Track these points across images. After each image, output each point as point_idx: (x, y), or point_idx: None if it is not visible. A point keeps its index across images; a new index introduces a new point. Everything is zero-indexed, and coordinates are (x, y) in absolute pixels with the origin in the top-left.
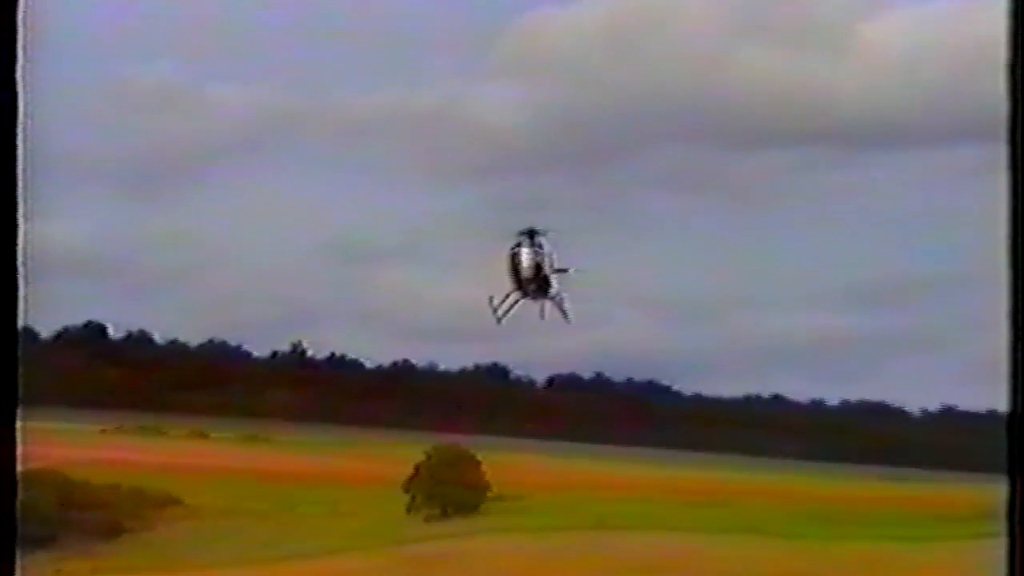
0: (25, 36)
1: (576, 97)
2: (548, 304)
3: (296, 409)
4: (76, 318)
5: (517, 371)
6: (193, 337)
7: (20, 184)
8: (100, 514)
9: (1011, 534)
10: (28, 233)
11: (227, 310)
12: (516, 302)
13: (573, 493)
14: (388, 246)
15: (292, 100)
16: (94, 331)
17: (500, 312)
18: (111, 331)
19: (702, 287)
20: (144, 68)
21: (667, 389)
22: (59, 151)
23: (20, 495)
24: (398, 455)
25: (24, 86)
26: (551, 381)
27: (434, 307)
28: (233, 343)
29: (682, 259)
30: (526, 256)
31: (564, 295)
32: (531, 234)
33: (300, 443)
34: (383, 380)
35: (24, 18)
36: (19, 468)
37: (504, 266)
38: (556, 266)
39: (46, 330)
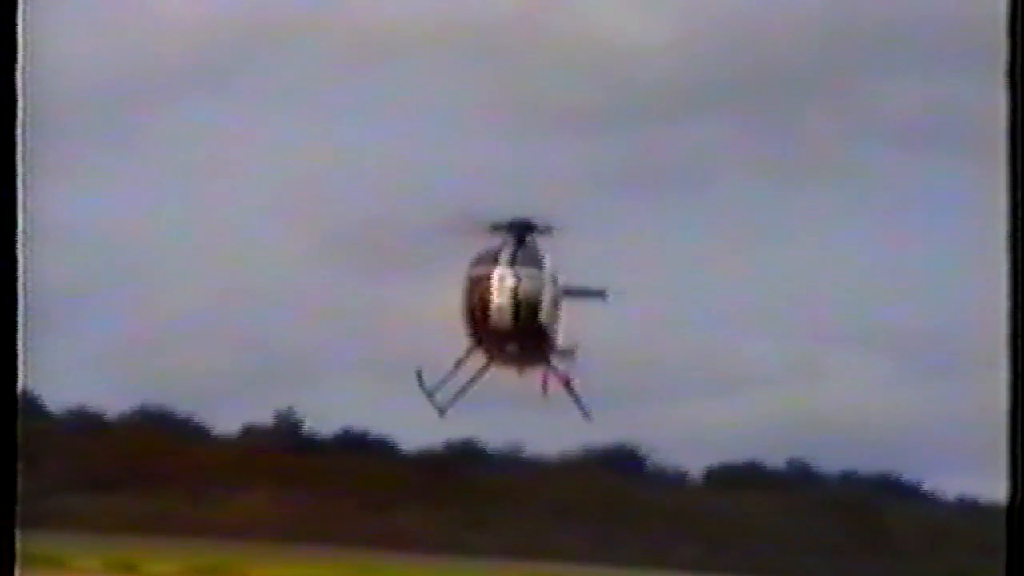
0: None
1: (746, 11)
2: (551, 374)
3: (284, 521)
4: None
5: (657, 457)
6: (111, 402)
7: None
8: None
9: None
10: None
11: (170, 355)
12: (478, 373)
13: None
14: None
15: (274, 7)
16: None
17: (441, 399)
18: None
19: (967, 312)
20: None
21: (913, 489)
22: None
23: None
24: None
25: None
26: (713, 474)
27: None
28: (180, 411)
29: (933, 263)
30: (504, 284)
31: (575, 356)
32: (519, 236)
33: None
34: (431, 472)
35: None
36: None
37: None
38: (563, 289)
39: None
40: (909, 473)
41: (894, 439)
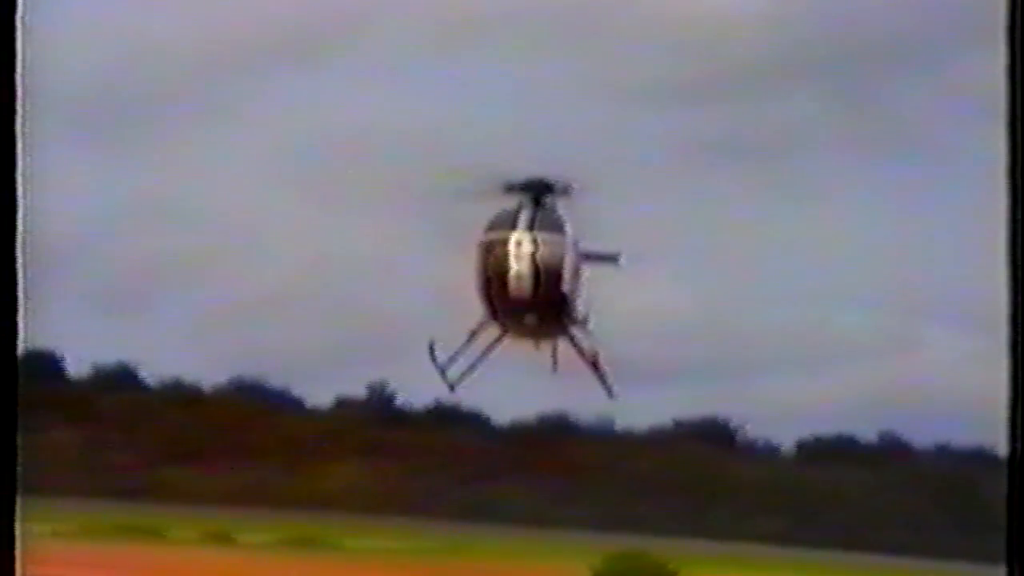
0: None
1: None
2: (564, 347)
3: (376, 494)
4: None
5: (748, 430)
6: (205, 375)
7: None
8: None
9: None
10: None
11: (263, 330)
12: (490, 346)
13: None
14: None
15: None
16: (39, 365)
17: (451, 374)
18: (68, 364)
19: None
20: None
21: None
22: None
23: None
24: (549, 568)
25: None
26: (804, 447)
27: (610, 322)
28: (273, 385)
29: None
30: (522, 250)
31: (590, 325)
32: (535, 198)
33: (383, 550)
34: (524, 445)
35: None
36: None
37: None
38: (584, 254)
39: None
40: (1003, 448)
41: (989, 413)
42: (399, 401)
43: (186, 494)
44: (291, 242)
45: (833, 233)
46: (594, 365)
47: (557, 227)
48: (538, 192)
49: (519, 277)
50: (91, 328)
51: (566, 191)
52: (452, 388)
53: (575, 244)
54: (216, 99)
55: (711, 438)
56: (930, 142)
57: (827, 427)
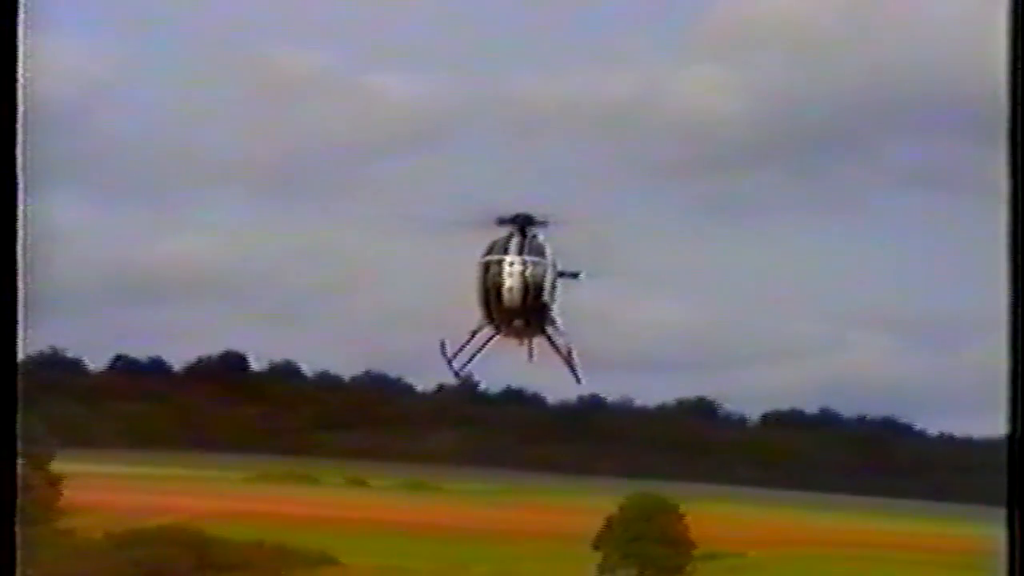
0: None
1: (797, 81)
2: (541, 341)
3: (466, 452)
4: (211, 347)
5: (727, 406)
6: (346, 369)
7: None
8: None
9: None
10: (152, 250)
11: (386, 336)
12: (486, 342)
13: (795, 551)
14: (572, 257)
15: (461, 91)
16: (233, 362)
17: (459, 362)
18: (252, 362)
19: (952, 304)
20: (296, 53)
21: (908, 428)
22: (192, 151)
23: (149, 552)
24: (586, 506)
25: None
26: (767, 418)
27: (629, 331)
28: (393, 375)
29: (927, 270)
30: (514, 269)
31: (562, 330)
32: (522, 229)
33: (471, 491)
34: (567, 418)
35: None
36: (149, 523)
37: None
38: (558, 272)
39: (177, 362)
40: (906, 417)
41: (897, 394)
42: (481, 387)
43: (332, 452)
44: (405, 272)
45: (789, 264)
46: (567, 357)
47: (540, 252)
48: (524, 224)
49: (511, 291)
50: (267, 335)
51: (545, 224)
52: (457, 375)
53: (553, 265)
54: (354, 173)
55: (701, 412)
56: (861, 202)
57: (783, 404)
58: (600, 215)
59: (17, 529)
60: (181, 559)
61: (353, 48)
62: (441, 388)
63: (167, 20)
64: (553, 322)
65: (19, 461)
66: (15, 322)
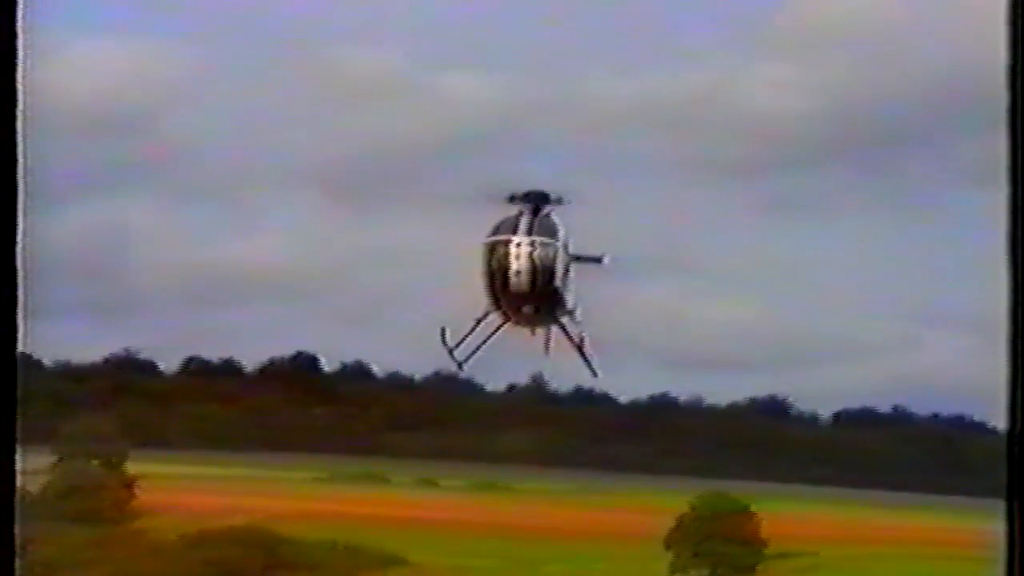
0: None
1: (867, 79)
2: (555, 331)
3: (537, 452)
4: (283, 349)
5: (799, 405)
6: (417, 369)
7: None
8: None
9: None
10: (224, 252)
11: (456, 337)
12: (493, 331)
13: (867, 549)
14: (644, 257)
15: (533, 91)
16: (304, 363)
17: (461, 352)
18: (323, 363)
19: None
20: (365, 54)
21: (981, 426)
22: (264, 153)
23: (221, 553)
24: (657, 505)
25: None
26: (839, 417)
27: (700, 329)
28: (463, 375)
29: (999, 269)
30: (522, 251)
31: (578, 320)
32: (534, 208)
33: (542, 491)
34: (638, 417)
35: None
36: (221, 523)
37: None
38: (571, 256)
39: (249, 363)
40: (978, 416)
41: (974, 394)
42: (551, 386)
43: (403, 452)
44: (475, 273)
45: (861, 263)
46: (580, 349)
47: (551, 232)
48: (537, 202)
49: (518, 274)
50: (338, 336)
51: (559, 202)
52: (460, 366)
53: (566, 246)
54: (424, 173)
55: (772, 410)
56: (933, 200)
57: (855, 402)
58: (670, 213)
59: (17, 529)
60: (252, 559)
61: (423, 49)
62: (512, 388)
63: (238, 24)
64: (568, 309)
65: (95, 462)
66: (15, 317)
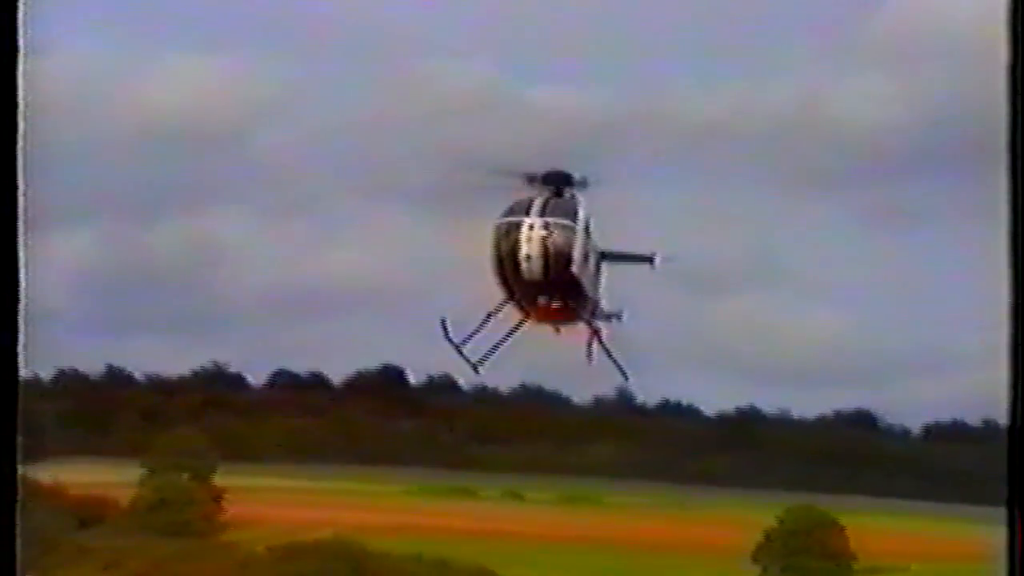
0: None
1: (962, 89)
2: (595, 337)
3: (624, 465)
4: (370, 361)
5: (888, 418)
6: (504, 382)
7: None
8: None
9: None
10: (312, 266)
11: (542, 350)
12: (512, 330)
13: (958, 564)
14: (734, 269)
15: (625, 104)
16: (391, 376)
17: (472, 352)
18: (410, 376)
19: None
20: (456, 67)
21: None
22: (352, 168)
23: (310, 565)
24: (745, 518)
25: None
26: (929, 430)
27: (788, 343)
28: (550, 388)
29: None
30: (534, 234)
31: (619, 314)
32: (557, 189)
33: (630, 504)
34: (726, 430)
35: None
36: (309, 536)
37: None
38: (599, 251)
39: (337, 376)
40: None
41: None
42: (638, 399)
43: (490, 465)
44: None
45: (951, 275)
46: (607, 351)
47: (569, 213)
48: (557, 184)
49: (529, 259)
50: (425, 348)
51: (584, 184)
52: (476, 369)
53: (588, 230)
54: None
55: (861, 424)
56: None
57: (945, 415)
58: (762, 225)
59: (17, 529)
60: (340, 572)
61: (514, 63)
62: (598, 401)
63: (328, 40)
64: (592, 301)
65: (184, 475)
66: (16, 319)
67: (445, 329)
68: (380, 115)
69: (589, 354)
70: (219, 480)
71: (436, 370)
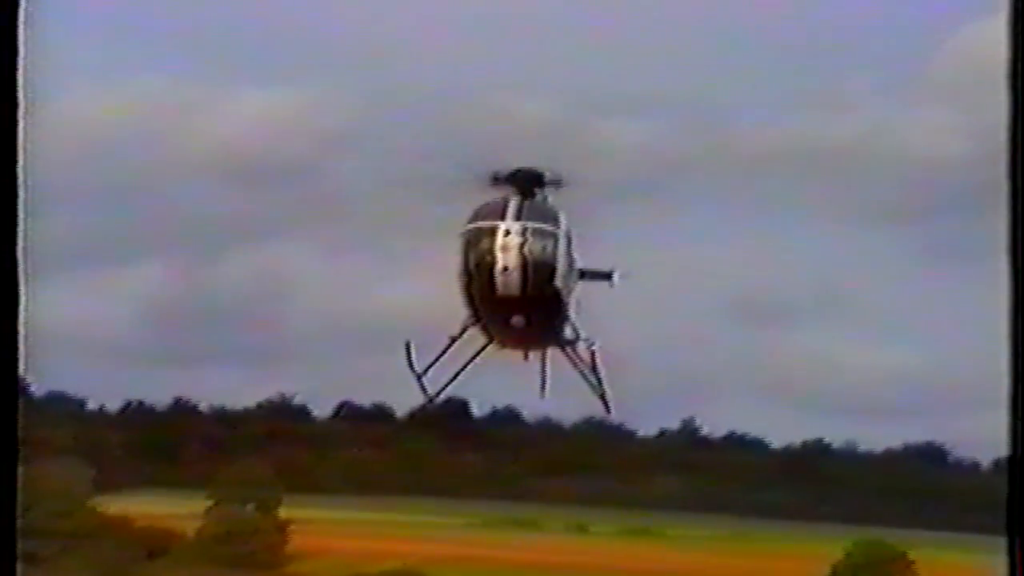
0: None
1: None
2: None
3: (688, 497)
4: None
5: (957, 451)
6: (567, 414)
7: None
8: None
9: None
10: (376, 297)
11: (607, 382)
12: (475, 355)
13: None
14: (798, 303)
15: (690, 136)
16: (454, 408)
17: (429, 382)
18: (474, 408)
19: None
20: (526, 104)
21: None
22: (418, 201)
23: None
24: (811, 552)
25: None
26: (999, 464)
27: (854, 375)
28: (614, 421)
29: None
30: (510, 241)
31: (594, 342)
32: (524, 190)
33: (695, 538)
34: (791, 463)
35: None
36: (373, 568)
37: None
38: (579, 267)
39: (400, 408)
40: None
41: None
42: (703, 431)
43: (554, 498)
44: (630, 317)
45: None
46: (590, 374)
47: (549, 218)
48: (527, 184)
49: (506, 271)
50: (488, 381)
51: (557, 183)
52: (431, 400)
53: (569, 238)
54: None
55: (929, 457)
56: None
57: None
58: (827, 259)
59: (17, 530)
60: None
61: (581, 97)
62: (663, 433)
63: (396, 75)
64: (570, 322)
65: (249, 506)
66: (17, 320)
67: (408, 354)
68: (451, 149)
69: (543, 382)
70: (284, 512)
71: (499, 403)
